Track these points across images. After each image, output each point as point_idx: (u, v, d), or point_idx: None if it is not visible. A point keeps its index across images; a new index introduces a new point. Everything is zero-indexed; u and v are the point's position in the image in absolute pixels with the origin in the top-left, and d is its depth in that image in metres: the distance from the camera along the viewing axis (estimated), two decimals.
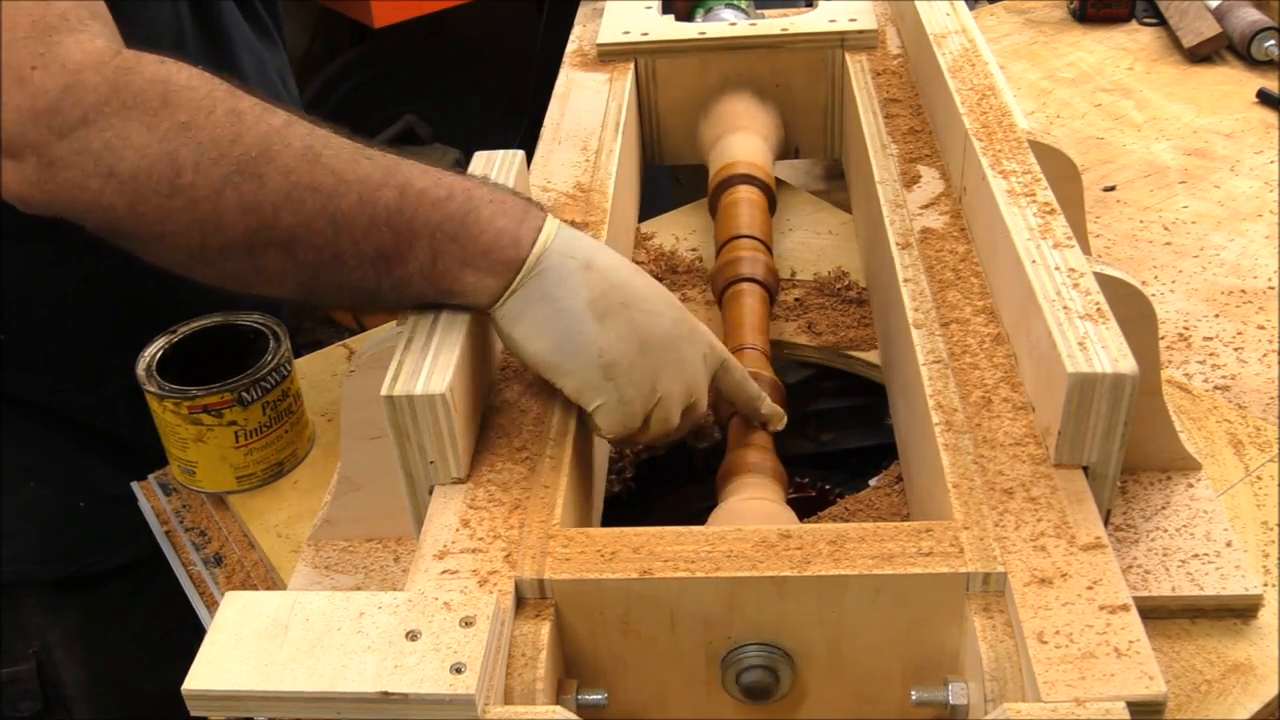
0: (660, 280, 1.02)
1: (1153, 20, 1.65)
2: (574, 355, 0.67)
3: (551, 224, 0.69)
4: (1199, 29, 1.54)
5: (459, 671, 0.51)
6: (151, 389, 0.87)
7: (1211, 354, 1.00)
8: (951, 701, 0.57)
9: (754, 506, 0.71)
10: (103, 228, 0.66)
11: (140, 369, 0.89)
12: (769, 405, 0.79)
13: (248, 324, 0.93)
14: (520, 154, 0.85)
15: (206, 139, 0.63)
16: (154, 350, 0.90)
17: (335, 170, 0.65)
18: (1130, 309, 0.69)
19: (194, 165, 0.63)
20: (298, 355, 0.98)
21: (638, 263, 1.06)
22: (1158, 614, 0.70)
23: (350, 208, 0.65)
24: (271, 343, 0.90)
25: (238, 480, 0.90)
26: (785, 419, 0.80)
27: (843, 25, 1.10)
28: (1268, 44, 1.48)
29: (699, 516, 0.87)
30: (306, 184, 0.64)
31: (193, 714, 0.53)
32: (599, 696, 0.60)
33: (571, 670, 0.61)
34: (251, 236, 0.64)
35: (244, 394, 0.87)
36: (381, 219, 0.65)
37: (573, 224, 0.86)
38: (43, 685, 1.14)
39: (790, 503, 0.73)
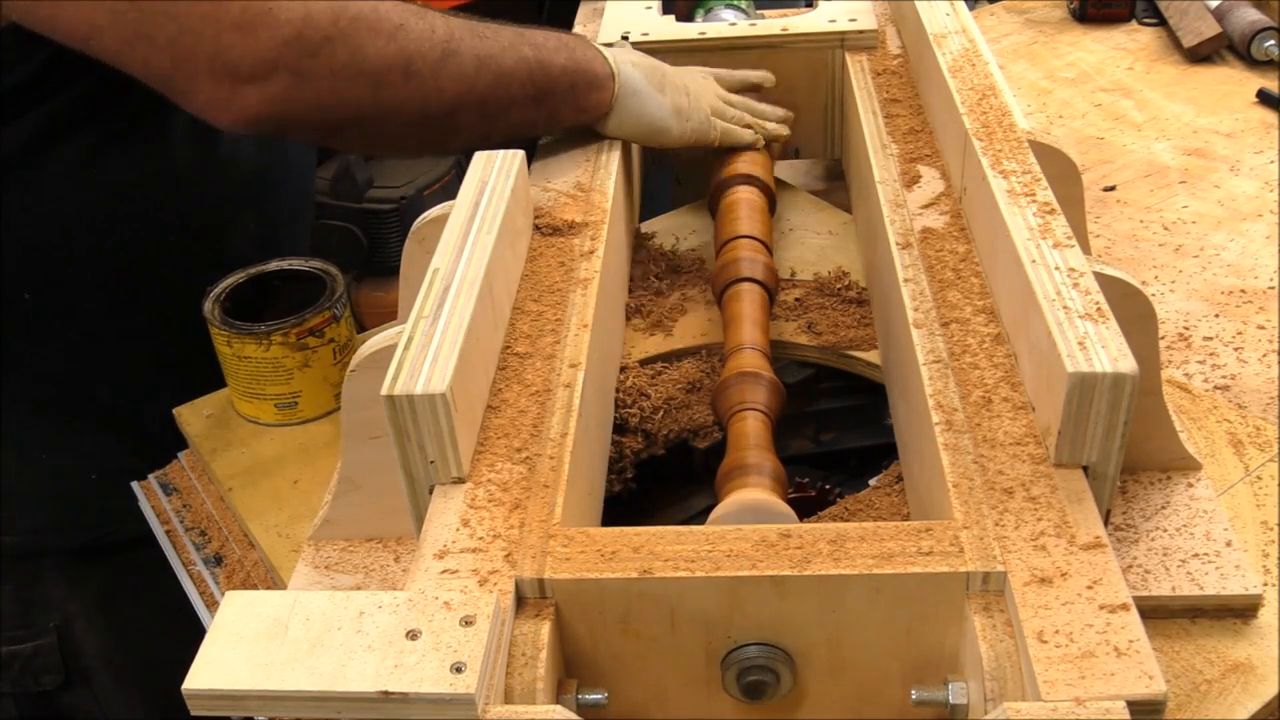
0: (660, 280, 1.04)
1: (1153, 20, 1.65)
2: (664, 122, 0.96)
3: (601, 45, 0.95)
4: (1199, 29, 1.54)
5: (459, 671, 0.51)
6: (259, 330, 0.93)
7: (1211, 354, 1.00)
8: (951, 701, 0.58)
9: (754, 494, 0.71)
10: (341, 121, 0.83)
11: (218, 316, 0.95)
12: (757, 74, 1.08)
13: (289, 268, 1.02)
14: (520, 154, 0.85)
15: (417, 35, 0.82)
16: (222, 300, 0.97)
17: (495, 41, 0.86)
18: (1130, 309, 0.69)
19: (418, 54, 0.82)
20: None
21: (637, 263, 1.06)
22: (1158, 614, 0.70)
23: (511, 66, 0.86)
24: (324, 279, 0.99)
25: (336, 398, 0.94)
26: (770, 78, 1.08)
27: (843, 25, 1.10)
28: (1268, 44, 1.48)
29: (699, 516, 0.87)
30: (483, 54, 0.85)
31: (193, 714, 0.53)
32: (599, 696, 0.60)
33: (571, 670, 0.61)
34: (458, 101, 0.85)
35: (336, 309, 0.95)
36: (534, 68, 0.88)
37: (572, 225, 0.87)
38: (64, 658, 1.15)
39: (790, 503, 0.73)
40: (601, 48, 0.94)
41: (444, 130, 0.87)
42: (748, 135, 1.02)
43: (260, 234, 1.14)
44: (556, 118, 0.92)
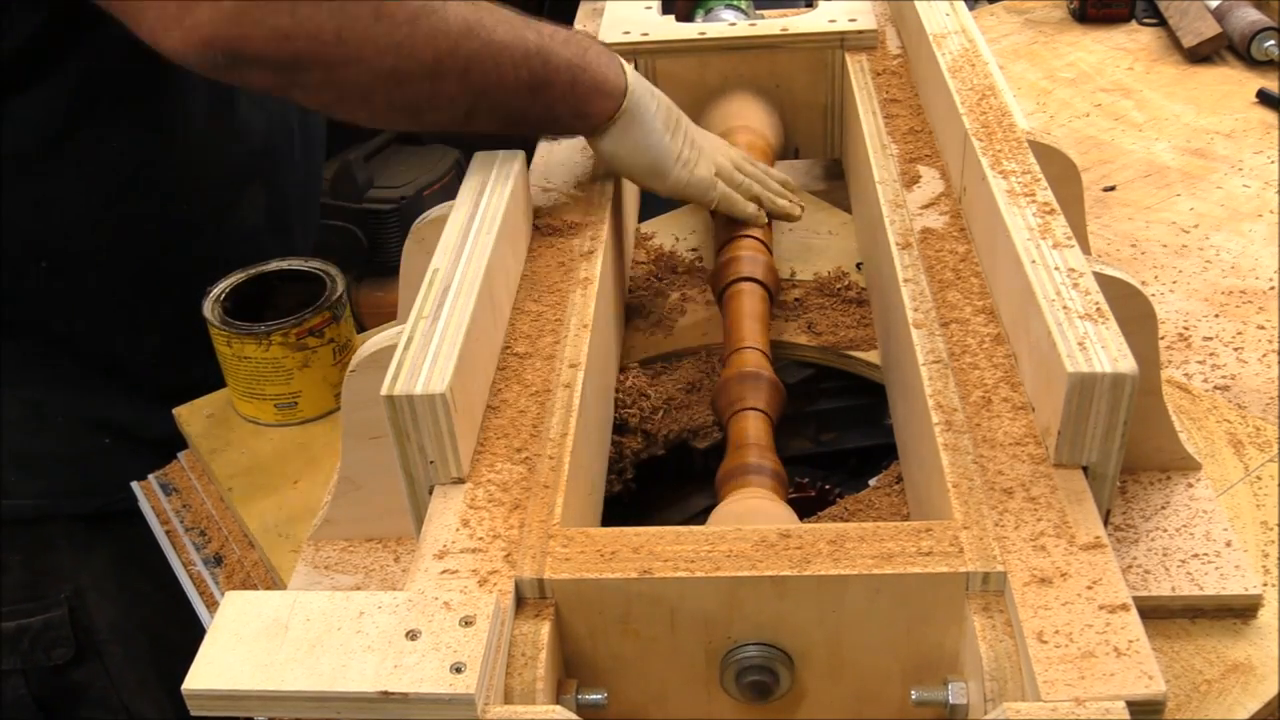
0: (659, 281, 1.04)
1: (1153, 20, 1.65)
2: (663, 162, 0.90)
3: (625, 63, 0.89)
4: (1199, 29, 1.54)
5: (459, 671, 0.51)
6: (259, 330, 0.93)
7: (1211, 354, 1.00)
8: (951, 701, 0.58)
9: (753, 505, 0.71)
10: (300, 56, 0.74)
11: (218, 316, 0.95)
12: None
13: (289, 269, 1.02)
14: (520, 154, 0.85)
15: None
16: (222, 300, 0.97)
17: (493, 14, 0.80)
18: (1130, 309, 0.69)
19: None
20: None
21: (638, 263, 1.06)
22: (1157, 614, 0.70)
23: (506, 40, 0.79)
24: (324, 279, 0.98)
25: (336, 398, 0.94)
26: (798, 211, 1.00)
27: (842, 25, 1.10)
28: (1268, 44, 1.48)
29: (699, 516, 0.87)
30: (475, 20, 0.78)
31: (193, 714, 0.53)
32: (599, 696, 0.60)
33: (571, 670, 0.61)
34: (436, 63, 0.77)
35: (336, 310, 0.95)
36: (532, 51, 0.81)
37: (572, 225, 0.87)
38: (75, 631, 1.15)
39: (790, 503, 0.73)
40: (627, 66, 0.89)
41: (419, 95, 0.78)
42: (749, 208, 0.96)
43: (270, 205, 1.15)
44: (552, 115, 0.85)
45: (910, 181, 0.89)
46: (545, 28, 0.83)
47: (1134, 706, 0.50)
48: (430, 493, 0.65)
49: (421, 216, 0.88)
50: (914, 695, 0.59)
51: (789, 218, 0.99)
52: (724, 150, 0.97)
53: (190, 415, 1.01)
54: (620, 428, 0.88)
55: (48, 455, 1.11)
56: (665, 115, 0.90)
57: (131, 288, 1.07)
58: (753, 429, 0.79)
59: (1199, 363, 0.99)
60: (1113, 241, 1.18)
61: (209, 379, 1.02)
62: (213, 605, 0.88)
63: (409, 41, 0.75)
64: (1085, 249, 0.71)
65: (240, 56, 0.73)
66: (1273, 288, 1.08)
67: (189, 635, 0.82)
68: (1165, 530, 0.75)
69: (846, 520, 0.80)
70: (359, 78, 0.76)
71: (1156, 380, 0.75)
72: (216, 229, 1.10)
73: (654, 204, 1.20)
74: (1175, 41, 1.57)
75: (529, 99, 0.82)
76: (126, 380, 1.11)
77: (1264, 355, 0.99)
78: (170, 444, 1.02)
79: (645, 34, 1.11)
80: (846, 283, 1.01)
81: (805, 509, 0.84)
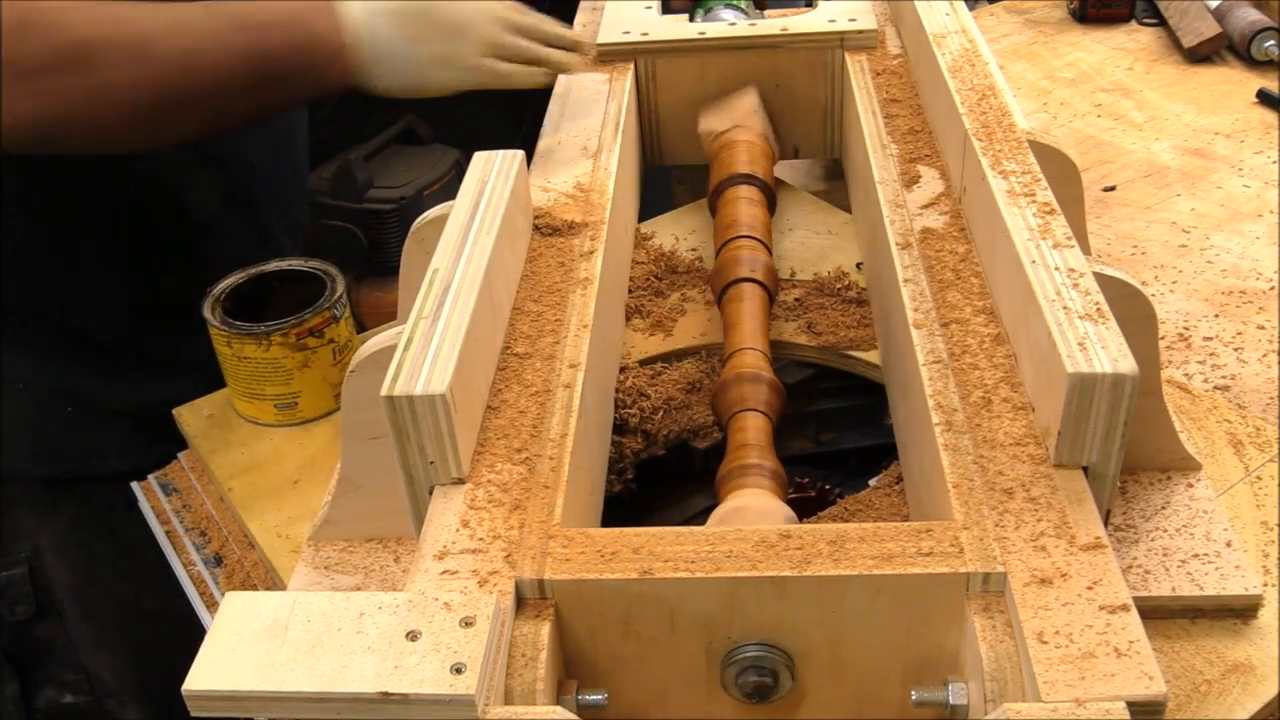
0: (660, 280, 1.04)
1: (1153, 20, 1.65)
2: (422, 78, 0.90)
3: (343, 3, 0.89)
4: (1199, 29, 1.54)
5: (459, 672, 0.51)
6: (259, 331, 0.93)
7: (1211, 354, 1.00)
8: (951, 702, 0.58)
9: (752, 500, 0.71)
10: (21, 121, 0.80)
11: (218, 316, 0.95)
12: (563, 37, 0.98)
13: (288, 269, 1.02)
14: (520, 154, 0.85)
15: (104, 43, 0.81)
16: (222, 300, 0.97)
17: (197, 34, 0.84)
18: (1130, 309, 0.69)
19: (106, 56, 0.81)
20: None
21: (637, 263, 1.06)
22: (1158, 614, 0.70)
23: (218, 59, 0.84)
24: (324, 279, 0.98)
25: (335, 399, 0.94)
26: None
27: (842, 25, 1.10)
28: (1268, 44, 1.48)
29: (699, 517, 0.87)
30: (187, 49, 0.83)
31: (194, 715, 0.53)
32: (599, 696, 0.60)
33: (571, 670, 0.61)
34: (157, 103, 0.83)
35: (336, 310, 0.95)
36: (250, 55, 0.84)
37: (572, 225, 0.87)
38: (35, 590, 1.16)
39: (790, 503, 0.73)
40: (345, 6, 0.89)
41: (155, 126, 0.86)
42: (536, 77, 0.94)
43: (226, 189, 1.15)
44: (295, 97, 0.90)
45: (910, 181, 0.89)
46: (259, 14, 0.86)
47: (1134, 707, 0.50)
48: (430, 493, 0.65)
49: (421, 216, 0.88)
50: (914, 696, 0.59)
51: (565, 69, 0.97)
52: (487, 15, 0.93)
53: (190, 415, 1.01)
54: (620, 428, 0.88)
55: (9, 420, 1.11)
56: (407, 27, 0.89)
57: (89, 265, 1.08)
58: (752, 429, 0.79)
59: (1199, 363, 0.99)
60: (1113, 241, 1.18)
61: (176, 353, 1.02)
62: (213, 605, 0.88)
63: (129, 93, 0.82)
64: (1085, 249, 0.71)
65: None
66: (1273, 288, 1.08)
67: (156, 602, 0.82)
68: (1165, 530, 0.75)
69: (846, 520, 0.80)
70: (81, 131, 0.84)
71: (1156, 380, 0.75)
72: (169, 210, 1.10)
73: (654, 204, 1.20)
74: (1175, 41, 1.57)
75: (267, 93, 0.87)
76: (89, 350, 1.11)
77: (1264, 355, 0.99)
78: (133, 414, 1.03)
79: (645, 34, 1.11)
80: (846, 283, 1.01)
81: (805, 509, 0.84)
